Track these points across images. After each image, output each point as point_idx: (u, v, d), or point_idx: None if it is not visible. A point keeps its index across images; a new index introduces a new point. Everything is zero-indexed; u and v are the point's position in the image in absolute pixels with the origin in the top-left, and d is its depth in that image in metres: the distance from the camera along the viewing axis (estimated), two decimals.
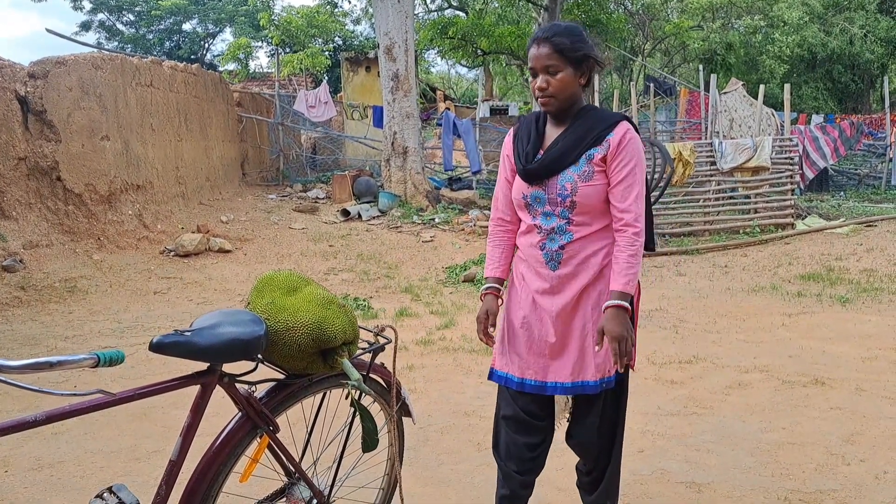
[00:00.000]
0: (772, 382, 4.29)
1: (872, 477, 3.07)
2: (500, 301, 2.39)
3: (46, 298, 6.48)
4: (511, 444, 2.33)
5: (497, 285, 2.38)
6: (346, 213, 11.09)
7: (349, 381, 1.95)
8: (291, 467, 2.10)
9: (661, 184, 9.23)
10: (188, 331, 1.71)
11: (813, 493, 2.94)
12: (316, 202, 11.99)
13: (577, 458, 2.50)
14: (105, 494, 1.82)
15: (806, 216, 10.26)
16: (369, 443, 2.04)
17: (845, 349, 4.90)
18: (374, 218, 10.96)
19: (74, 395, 1.52)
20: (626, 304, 2.12)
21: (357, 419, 2.05)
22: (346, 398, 2.21)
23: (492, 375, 2.37)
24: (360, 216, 11.04)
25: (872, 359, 4.67)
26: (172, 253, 8.30)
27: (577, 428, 2.38)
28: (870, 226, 9.63)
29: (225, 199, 11.34)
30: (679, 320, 5.83)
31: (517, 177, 2.31)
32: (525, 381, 2.29)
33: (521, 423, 2.31)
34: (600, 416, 2.32)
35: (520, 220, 2.37)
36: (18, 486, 3.08)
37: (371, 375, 2.23)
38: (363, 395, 2.00)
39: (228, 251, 8.62)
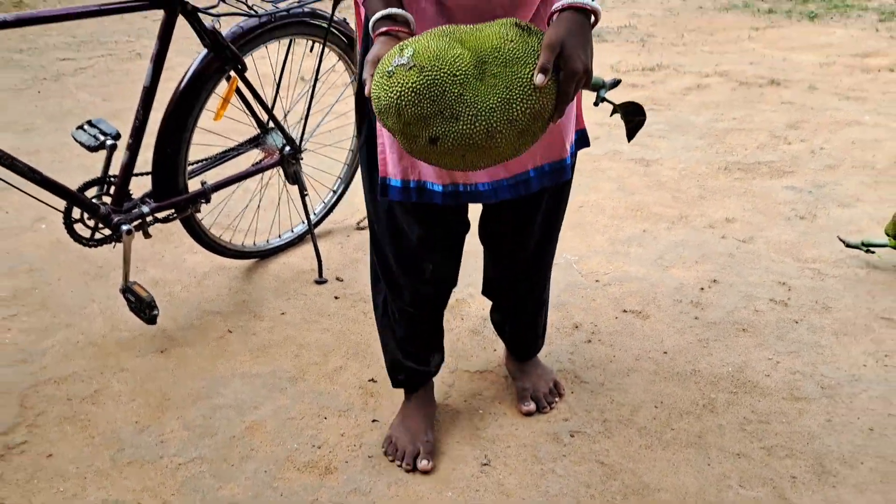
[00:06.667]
0: (730, 84, 4.41)
1: (808, 152, 3.31)
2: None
3: None
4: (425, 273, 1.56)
5: (401, 27, 1.18)
6: None
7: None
8: (264, 114, 2.20)
9: None
10: None
11: (752, 164, 3.20)
12: None
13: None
14: (85, 126, 1.92)
15: None
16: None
17: (805, 57, 4.98)
18: None
19: None
20: (597, 7, 1.16)
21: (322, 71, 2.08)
22: (311, 51, 2.25)
23: (388, 191, 1.42)
24: None
25: (830, 64, 4.77)
26: None
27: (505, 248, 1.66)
28: None
29: None
30: (647, 35, 5.79)
31: None
32: (457, 189, 1.42)
33: (443, 250, 1.57)
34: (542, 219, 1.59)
35: None
36: None
37: (333, 29, 2.24)
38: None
39: None
